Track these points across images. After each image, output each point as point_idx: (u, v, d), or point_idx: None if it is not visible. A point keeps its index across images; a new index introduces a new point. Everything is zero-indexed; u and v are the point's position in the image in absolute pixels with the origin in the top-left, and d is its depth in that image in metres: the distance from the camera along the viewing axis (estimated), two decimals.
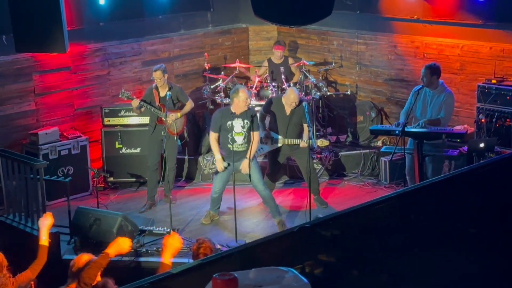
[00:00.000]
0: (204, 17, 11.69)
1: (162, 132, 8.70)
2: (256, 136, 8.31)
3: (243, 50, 12.14)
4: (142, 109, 9.02)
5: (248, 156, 8.27)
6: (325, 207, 8.94)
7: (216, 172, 8.53)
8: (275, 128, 8.81)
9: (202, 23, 11.66)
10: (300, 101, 8.64)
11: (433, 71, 8.40)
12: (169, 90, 8.95)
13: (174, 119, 8.92)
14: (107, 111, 9.93)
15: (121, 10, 10.54)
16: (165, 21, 11.17)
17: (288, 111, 8.68)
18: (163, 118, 8.87)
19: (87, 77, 10.26)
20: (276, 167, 9.15)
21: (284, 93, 8.92)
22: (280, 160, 9.07)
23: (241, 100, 8.17)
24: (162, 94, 8.97)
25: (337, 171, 10.18)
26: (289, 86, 10.23)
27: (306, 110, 8.44)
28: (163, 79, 8.90)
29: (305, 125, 8.64)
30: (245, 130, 8.23)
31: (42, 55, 9.50)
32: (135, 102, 8.86)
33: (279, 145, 8.81)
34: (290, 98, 8.61)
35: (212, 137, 8.38)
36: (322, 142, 8.62)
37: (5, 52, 9.26)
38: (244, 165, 8.29)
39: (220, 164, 8.31)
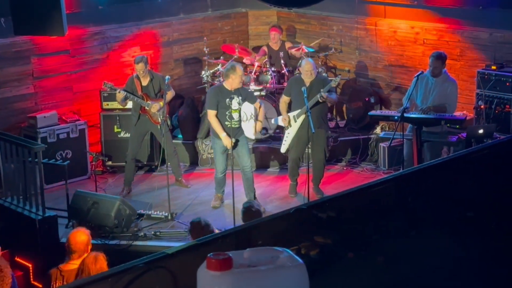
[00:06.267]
0: (203, 1, 11.63)
1: (148, 123, 9.00)
2: (258, 104, 8.62)
3: (242, 34, 12.09)
4: (127, 101, 9.04)
5: (260, 118, 8.60)
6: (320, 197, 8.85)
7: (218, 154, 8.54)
8: (298, 107, 8.71)
9: (201, 7, 11.61)
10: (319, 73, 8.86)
11: (443, 60, 8.34)
12: (151, 80, 9.00)
13: (158, 109, 8.92)
14: (105, 95, 9.91)
15: None
16: (164, 5, 11.12)
17: (307, 83, 8.62)
18: (146, 108, 8.91)
19: (85, 61, 10.22)
20: (298, 156, 8.94)
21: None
22: (301, 149, 8.87)
23: (238, 76, 8.22)
24: (144, 83, 9.00)
25: (335, 156, 10.16)
26: (288, 71, 10.22)
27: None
28: (145, 70, 8.94)
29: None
30: (240, 106, 8.23)
31: (41, 38, 9.46)
32: (120, 95, 8.86)
33: (302, 117, 8.63)
34: (305, 68, 8.64)
35: (212, 115, 8.30)
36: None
37: (4, 35, 9.22)
38: (258, 126, 8.61)
39: (227, 141, 8.24)
